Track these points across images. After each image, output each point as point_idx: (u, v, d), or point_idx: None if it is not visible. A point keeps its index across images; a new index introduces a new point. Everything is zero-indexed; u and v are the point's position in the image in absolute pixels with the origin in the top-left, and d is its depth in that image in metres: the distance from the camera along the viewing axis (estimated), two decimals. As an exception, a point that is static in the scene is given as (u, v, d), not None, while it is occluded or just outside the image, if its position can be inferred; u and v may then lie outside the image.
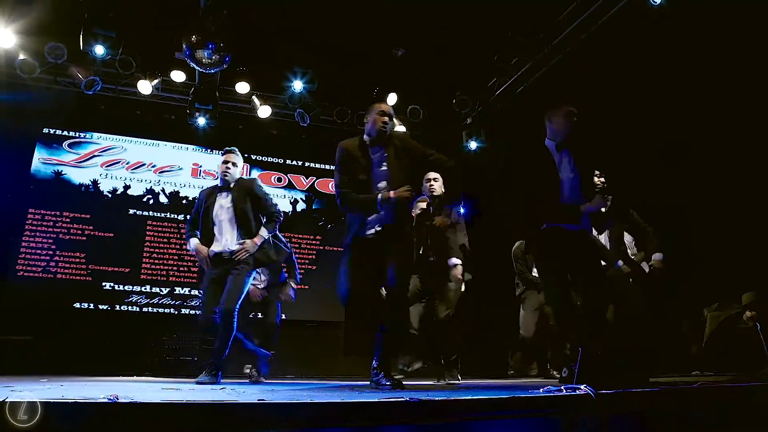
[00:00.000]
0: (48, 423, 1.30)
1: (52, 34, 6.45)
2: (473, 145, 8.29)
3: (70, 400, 1.38)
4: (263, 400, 1.57)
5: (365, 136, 3.77)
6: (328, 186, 8.74)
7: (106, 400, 1.39)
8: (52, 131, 7.59)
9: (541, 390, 2.37)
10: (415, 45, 6.91)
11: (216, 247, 4.29)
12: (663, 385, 2.61)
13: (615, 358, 2.65)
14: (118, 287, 7.30)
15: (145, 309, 7.35)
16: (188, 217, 4.63)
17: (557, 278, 3.53)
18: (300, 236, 8.30)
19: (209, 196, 4.46)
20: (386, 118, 3.75)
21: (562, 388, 2.24)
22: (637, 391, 2.32)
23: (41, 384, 3.14)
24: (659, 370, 4.07)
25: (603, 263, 4.38)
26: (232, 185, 4.44)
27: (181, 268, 7.65)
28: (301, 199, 8.59)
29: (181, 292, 7.57)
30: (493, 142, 8.22)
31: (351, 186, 3.59)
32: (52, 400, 1.36)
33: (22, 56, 6.56)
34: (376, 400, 1.68)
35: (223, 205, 4.38)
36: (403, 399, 1.70)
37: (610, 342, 3.47)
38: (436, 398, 1.79)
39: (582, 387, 2.15)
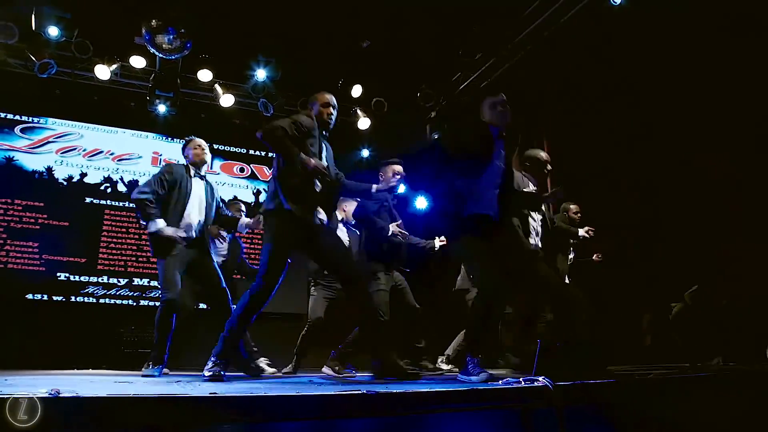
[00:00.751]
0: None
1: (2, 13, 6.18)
2: (437, 138, 8.33)
3: (5, 395, 1.33)
4: (215, 393, 1.54)
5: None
6: (292, 177, 8.67)
7: (46, 395, 1.34)
8: (3, 115, 7.29)
9: (500, 382, 2.40)
10: (381, 37, 6.88)
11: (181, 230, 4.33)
12: (619, 376, 2.67)
13: (572, 350, 2.70)
14: (74, 278, 7.10)
15: (102, 300, 7.17)
16: (145, 191, 4.37)
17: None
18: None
19: (183, 177, 4.49)
20: (332, 110, 3.72)
21: (521, 379, 2.27)
22: (594, 382, 2.38)
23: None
24: (616, 362, 4.17)
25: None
26: (203, 172, 4.63)
27: (140, 259, 7.48)
28: (264, 189, 8.49)
29: (140, 283, 7.41)
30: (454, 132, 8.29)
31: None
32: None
33: (-30, 36, 6.28)
34: (332, 393, 1.67)
35: (196, 189, 4.50)
36: (359, 392, 1.69)
37: (567, 335, 3.52)
38: (393, 390, 1.79)
39: (540, 378, 2.18)
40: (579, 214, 5.62)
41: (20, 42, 6.39)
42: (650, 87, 5.73)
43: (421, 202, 8.70)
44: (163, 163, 7.94)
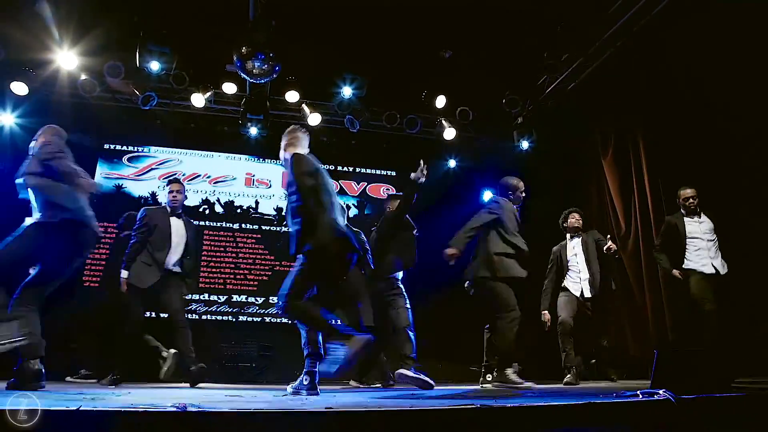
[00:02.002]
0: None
1: (110, 53, 6.66)
2: (525, 144, 8.13)
3: (140, 409, 1.39)
4: (330, 408, 1.54)
5: None
6: (379, 191, 8.75)
7: (174, 409, 1.39)
8: (112, 146, 7.89)
9: (614, 395, 2.25)
10: (462, 46, 6.82)
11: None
12: (746, 389, 2.45)
13: (694, 360, 2.50)
14: (178, 296, 7.47)
15: (204, 317, 7.50)
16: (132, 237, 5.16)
17: None
18: (353, 242, 8.30)
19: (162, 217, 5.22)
20: None
21: (638, 392, 2.12)
22: (721, 395, 2.18)
23: (111, 391, 3.22)
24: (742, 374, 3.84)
25: None
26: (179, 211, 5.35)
27: (238, 276, 7.78)
28: (353, 204, 8.62)
29: (238, 299, 7.70)
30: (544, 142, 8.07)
31: None
32: (125, 409, 1.37)
33: (83, 76, 6.82)
34: (443, 407, 1.62)
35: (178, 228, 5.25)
36: (473, 406, 1.64)
37: (687, 344, 3.29)
38: (507, 405, 1.72)
39: (660, 392, 2.02)
40: (691, 200, 5.29)
41: (125, 78, 6.87)
42: (752, 79, 5.21)
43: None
44: (256, 184, 8.27)
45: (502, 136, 8.33)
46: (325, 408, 1.52)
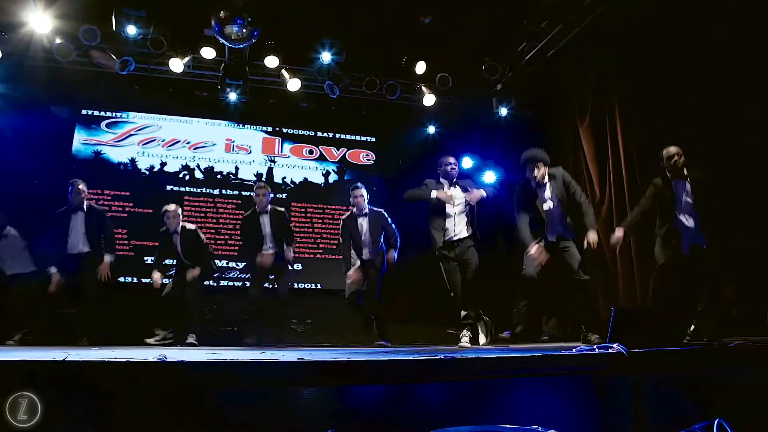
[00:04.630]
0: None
1: (85, 17, 6.55)
2: (503, 111, 8.20)
3: (125, 359, 1.50)
4: (302, 359, 1.66)
5: None
6: (359, 157, 8.81)
7: (156, 359, 1.50)
8: (90, 112, 7.83)
9: (574, 349, 2.41)
10: (442, 11, 6.81)
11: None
12: (696, 344, 2.62)
13: (647, 318, 2.66)
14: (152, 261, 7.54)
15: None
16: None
17: None
18: (333, 207, 8.42)
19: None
20: None
21: (595, 347, 2.27)
22: (670, 349, 2.34)
23: (94, 351, 3.32)
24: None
25: None
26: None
27: (218, 241, 7.85)
28: (333, 170, 8.68)
29: (219, 264, 7.78)
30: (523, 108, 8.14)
31: None
32: (110, 360, 1.47)
33: (58, 41, 6.71)
34: (411, 358, 1.75)
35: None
36: (436, 357, 1.76)
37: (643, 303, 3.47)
38: (469, 356, 1.85)
39: (614, 345, 2.17)
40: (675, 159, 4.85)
41: (102, 43, 6.78)
42: (738, 46, 5.22)
43: (489, 177, 8.63)
44: (236, 149, 8.29)
45: (481, 103, 8.38)
46: (297, 359, 1.64)
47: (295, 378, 1.54)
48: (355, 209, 5.86)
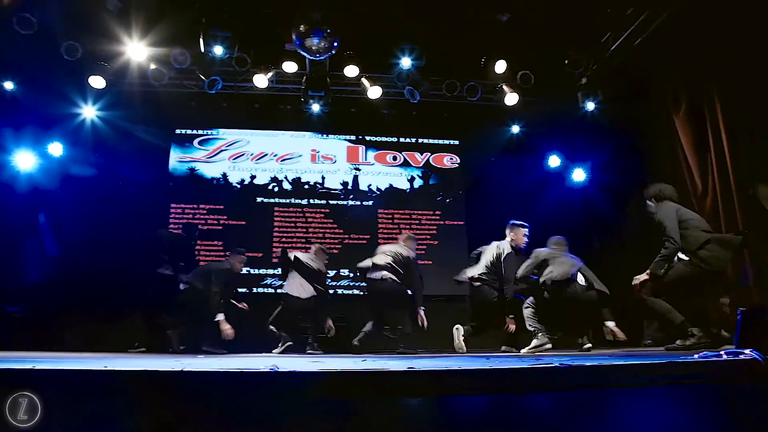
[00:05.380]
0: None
1: (176, 41, 6.90)
2: (590, 105, 7.87)
3: (236, 370, 1.53)
4: (412, 368, 1.63)
5: None
6: (443, 160, 8.75)
7: (268, 370, 1.52)
8: (183, 131, 8.25)
9: (696, 355, 2.22)
10: (520, 7, 6.63)
11: None
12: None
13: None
14: (254, 271, 7.81)
15: (279, 290, 7.79)
16: None
17: None
18: (420, 212, 8.41)
19: None
20: None
21: (721, 352, 2.08)
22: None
23: (200, 359, 3.44)
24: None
25: None
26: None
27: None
28: (418, 175, 8.67)
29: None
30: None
31: None
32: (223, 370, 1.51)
33: (152, 66, 7.11)
34: (523, 366, 1.67)
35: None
36: (551, 365, 1.68)
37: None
38: (586, 364, 1.75)
39: (747, 351, 1.98)
40: None
41: (192, 65, 7.12)
42: None
43: (579, 175, 8.32)
44: (321, 159, 8.46)
45: (566, 99, 8.08)
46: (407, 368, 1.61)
47: (404, 387, 1.52)
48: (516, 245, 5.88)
